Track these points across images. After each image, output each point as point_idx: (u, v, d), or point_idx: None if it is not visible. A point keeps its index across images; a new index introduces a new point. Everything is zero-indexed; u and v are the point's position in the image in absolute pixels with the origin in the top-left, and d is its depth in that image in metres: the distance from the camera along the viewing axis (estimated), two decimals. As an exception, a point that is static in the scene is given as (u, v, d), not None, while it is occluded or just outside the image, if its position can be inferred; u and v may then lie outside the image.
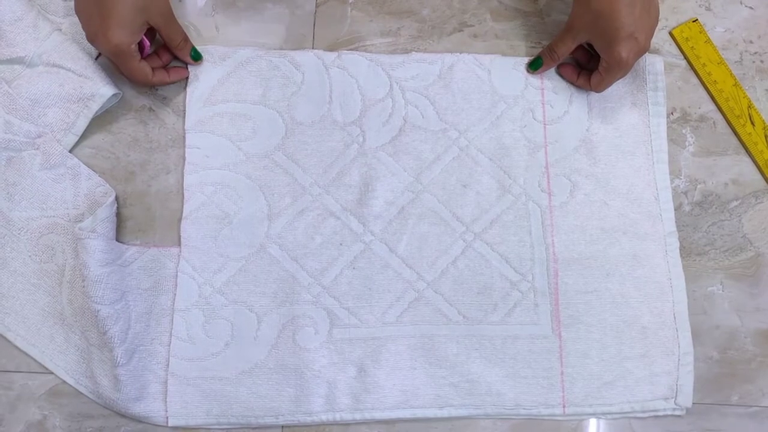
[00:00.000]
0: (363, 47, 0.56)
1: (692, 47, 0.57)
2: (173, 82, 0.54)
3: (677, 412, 0.51)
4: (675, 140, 0.56)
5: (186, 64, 0.54)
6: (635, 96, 0.56)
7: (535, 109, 0.55)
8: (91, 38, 0.48)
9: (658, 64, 0.56)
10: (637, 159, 0.55)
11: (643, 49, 0.50)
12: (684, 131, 0.56)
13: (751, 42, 0.58)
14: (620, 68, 0.50)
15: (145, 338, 0.50)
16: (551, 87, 0.56)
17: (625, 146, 0.55)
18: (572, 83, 0.55)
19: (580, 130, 0.55)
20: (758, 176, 0.56)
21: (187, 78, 0.54)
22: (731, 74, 0.57)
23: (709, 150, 0.56)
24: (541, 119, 0.55)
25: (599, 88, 0.53)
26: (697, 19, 0.58)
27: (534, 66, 0.55)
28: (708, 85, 0.57)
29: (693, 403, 0.51)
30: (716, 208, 0.55)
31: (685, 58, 0.57)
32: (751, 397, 0.52)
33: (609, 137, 0.55)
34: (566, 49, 0.53)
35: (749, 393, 0.52)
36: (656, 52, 0.57)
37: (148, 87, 0.54)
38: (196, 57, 0.53)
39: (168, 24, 0.50)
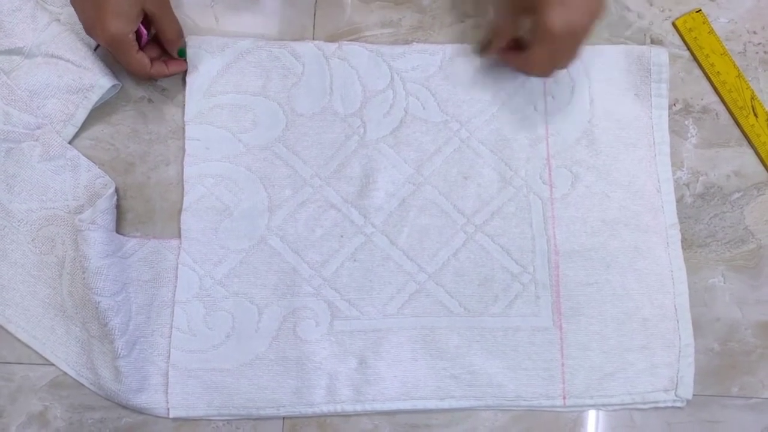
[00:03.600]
0: (364, 38, 0.56)
1: (695, 38, 0.57)
2: (172, 75, 0.53)
3: (678, 404, 0.51)
4: (677, 132, 0.56)
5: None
6: (638, 87, 0.55)
7: (536, 100, 0.55)
8: (88, 29, 0.48)
9: (663, 56, 0.55)
10: (639, 151, 0.54)
11: (578, 25, 0.45)
12: (686, 123, 0.56)
13: (755, 33, 0.57)
14: (546, 39, 0.46)
15: (145, 330, 0.50)
16: (553, 79, 0.55)
17: (627, 138, 0.54)
18: (511, 66, 0.53)
19: (582, 122, 0.55)
20: (760, 168, 0.56)
21: (185, 71, 0.54)
22: (734, 65, 0.56)
23: (712, 142, 0.56)
24: (542, 111, 0.55)
25: (530, 67, 0.50)
26: (700, 10, 0.57)
27: (485, 50, 0.53)
28: (711, 77, 0.56)
29: (693, 395, 0.51)
30: (718, 199, 0.55)
31: (688, 49, 0.57)
32: (751, 389, 0.52)
33: (611, 129, 0.55)
34: (506, 21, 0.50)
35: (750, 385, 0.52)
36: (659, 42, 0.57)
37: (147, 79, 0.53)
38: (182, 56, 0.53)
39: (163, 14, 0.49)
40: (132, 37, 0.48)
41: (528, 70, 0.50)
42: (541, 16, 0.45)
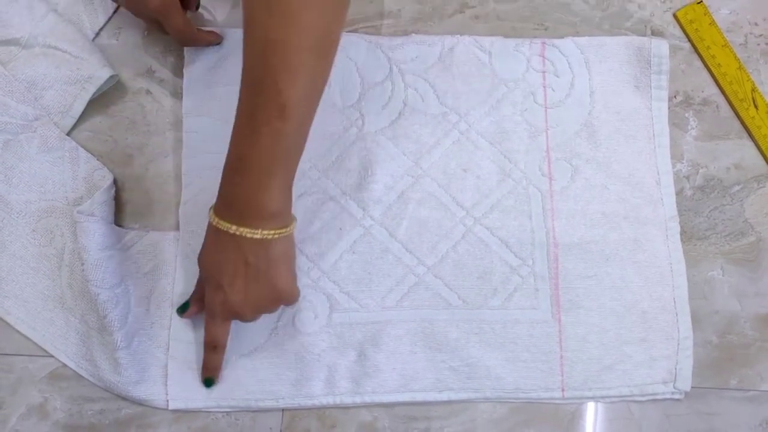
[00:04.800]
0: (363, 28, 0.56)
1: (696, 29, 0.56)
2: (209, 44, 0.53)
3: (676, 396, 0.51)
4: (677, 124, 0.55)
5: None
6: (638, 79, 0.55)
7: (536, 92, 0.55)
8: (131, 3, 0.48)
9: (664, 47, 0.55)
10: (638, 143, 0.54)
11: (235, 310, 0.45)
12: (687, 115, 0.56)
13: (756, 24, 0.57)
14: (207, 309, 0.46)
15: (145, 322, 0.50)
16: (553, 70, 0.55)
17: (626, 130, 0.54)
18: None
19: (582, 114, 0.54)
20: (761, 160, 0.55)
21: (217, 43, 0.53)
22: (735, 57, 0.56)
23: (712, 134, 0.56)
24: (542, 103, 0.54)
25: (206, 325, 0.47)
26: (702, 1, 0.57)
27: (181, 309, 0.49)
28: (712, 68, 0.56)
29: (692, 387, 0.51)
30: (718, 192, 0.55)
31: (689, 40, 0.57)
32: (749, 381, 0.52)
33: (611, 121, 0.54)
34: (199, 291, 0.48)
35: (747, 377, 0.52)
36: (660, 34, 0.56)
37: (191, 43, 0.52)
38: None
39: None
40: (177, 1, 0.48)
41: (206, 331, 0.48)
42: (206, 288, 0.46)
